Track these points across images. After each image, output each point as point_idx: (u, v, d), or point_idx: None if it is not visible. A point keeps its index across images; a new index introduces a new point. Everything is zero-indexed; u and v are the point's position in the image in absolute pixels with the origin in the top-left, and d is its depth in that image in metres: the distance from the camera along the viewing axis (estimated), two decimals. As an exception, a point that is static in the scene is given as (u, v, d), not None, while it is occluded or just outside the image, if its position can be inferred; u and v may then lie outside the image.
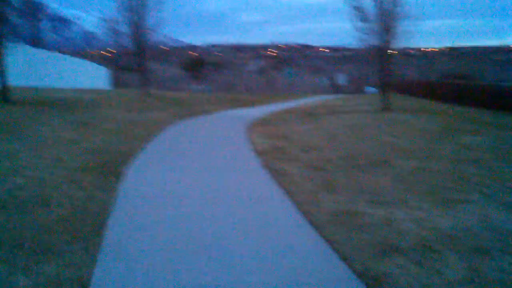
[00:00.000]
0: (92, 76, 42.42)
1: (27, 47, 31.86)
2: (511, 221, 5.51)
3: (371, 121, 16.00)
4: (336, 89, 59.91)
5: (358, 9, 19.37)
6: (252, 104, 32.12)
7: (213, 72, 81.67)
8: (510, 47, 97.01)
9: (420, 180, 7.65)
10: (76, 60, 41.26)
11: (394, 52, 19.94)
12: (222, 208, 6.15)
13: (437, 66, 78.62)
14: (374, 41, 19.43)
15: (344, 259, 4.47)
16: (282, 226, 5.50)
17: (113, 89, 40.75)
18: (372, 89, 57.51)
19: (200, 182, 7.60)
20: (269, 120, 18.89)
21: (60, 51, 58.94)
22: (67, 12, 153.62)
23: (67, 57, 38.97)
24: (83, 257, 4.42)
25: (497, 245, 4.74)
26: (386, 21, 18.86)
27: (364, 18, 19.34)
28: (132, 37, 33.05)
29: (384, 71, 20.21)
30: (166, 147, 11.35)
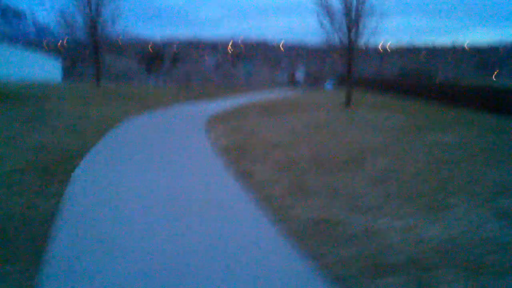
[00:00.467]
0: (43, 69, 40.46)
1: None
2: (503, 230, 5.02)
3: (335, 118, 15.55)
4: (294, 84, 59.69)
5: (324, 6, 18.96)
6: (209, 98, 31.34)
7: (170, 66, 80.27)
8: (460, 46, 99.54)
9: (395, 183, 7.13)
10: (25, 52, 39.22)
11: (359, 49, 19.57)
12: (182, 220, 5.30)
13: (394, 63, 79.75)
14: (339, 38, 19.08)
15: (333, 280, 3.82)
16: (252, 240, 4.75)
17: (64, 83, 39.01)
18: (329, 84, 57.65)
19: (155, 187, 6.75)
20: (229, 116, 18.18)
21: (8, 43, 56.17)
22: (20, 4, 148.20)
23: (15, 48, 36.94)
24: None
25: (498, 260, 4.21)
26: (352, 18, 18.53)
27: (329, 15, 18.95)
28: (85, 29, 31.81)
29: (348, 67, 19.83)
30: (117, 146, 10.43)
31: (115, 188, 6.61)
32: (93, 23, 30.73)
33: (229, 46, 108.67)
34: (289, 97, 32.14)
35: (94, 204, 5.81)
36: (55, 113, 14.88)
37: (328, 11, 18.95)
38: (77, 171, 7.53)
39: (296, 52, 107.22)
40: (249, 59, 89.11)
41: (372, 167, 8.22)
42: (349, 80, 20.12)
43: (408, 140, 11.21)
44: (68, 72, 57.03)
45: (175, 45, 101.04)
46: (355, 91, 30.91)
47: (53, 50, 71.78)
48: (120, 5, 31.71)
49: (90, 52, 32.91)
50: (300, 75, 57.36)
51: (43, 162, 7.91)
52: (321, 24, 19.18)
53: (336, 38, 19.19)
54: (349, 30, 18.72)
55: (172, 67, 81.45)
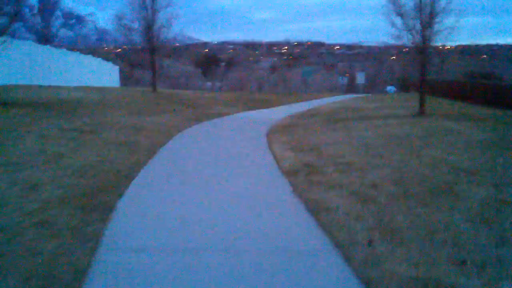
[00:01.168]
0: (102, 74, 40.68)
1: (31, 43, 30.10)
2: None
3: (411, 130, 13.88)
4: (355, 88, 57.67)
5: (396, 3, 17.35)
6: (267, 104, 30.17)
7: (225, 70, 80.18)
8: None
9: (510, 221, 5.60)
10: (84, 57, 39.44)
11: (433, 50, 17.77)
12: (248, 268, 4.11)
13: (453, 64, 76.01)
14: (411, 38, 17.40)
15: None
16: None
17: (122, 88, 38.98)
18: (391, 88, 55.30)
19: (211, 222, 5.54)
20: (290, 126, 16.88)
21: (69, 48, 57.39)
22: (82, 9, 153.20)
23: (75, 54, 37.18)
24: None
25: None
26: (426, 16, 16.82)
27: (401, 13, 17.31)
28: (143, 33, 31.59)
29: (421, 71, 18.05)
30: (172, 165, 9.30)
31: (164, 222, 5.48)
32: (149, 27, 30.40)
33: (285, 48, 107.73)
34: (352, 103, 30.42)
35: (137, 249, 4.67)
36: (108, 124, 14.07)
37: (399, 8, 17.29)
38: (123, 200, 6.47)
39: (354, 55, 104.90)
40: (306, 62, 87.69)
41: (471, 197, 6.69)
42: (422, 84, 18.32)
43: (507, 160, 9.51)
44: (126, 77, 57.64)
45: (230, 48, 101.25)
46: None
47: (113, 54, 73.10)
48: (176, 9, 31.21)
49: (147, 56, 32.58)
50: (360, 78, 55.32)
51: (86, 189, 6.89)
52: (392, 24, 17.53)
53: (408, 39, 17.50)
54: (423, 29, 16.98)
55: (228, 70, 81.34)
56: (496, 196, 6.72)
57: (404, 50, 20.17)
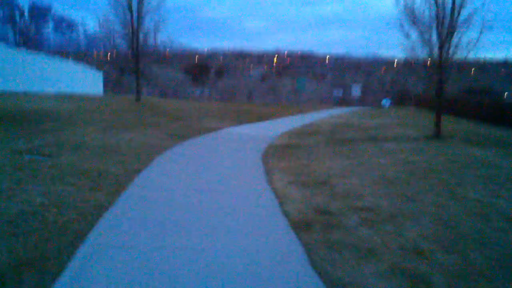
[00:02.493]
0: (84, 80, 38.31)
1: (3, 45, 27.76)
2: None
3: (433, 158, 11.79)
4: (348, 100, 55.81)
5: (411, 14, 15.43)
6: (260, 117, 28.09)
7: (215, 78, 78.45)
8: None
9: None
10: (65, 62, 37.10)
11: (452, 65, 15.79)
12: None
13: (434, 78, 74.07)
14: (428, 51, 15.47)
15: None
16: None
17: (104, 96, 36.64)
18: (387, 101, 53.56)
19: None
20: (288, 147, 14.77)
21: (57, 53, 54.84)
22: (72, 13, 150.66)
23: (54, 58, 34.78)
24: None
25: None
26: (445, 29, 14.92)
27: (417, 25, 15.41)
28: (128, 39, 29.58)
29: (438, 86, 16.02)
30: (142, 210, 6.83)
31: None
32: (134, 33, 28.35)
33: (275, 58, 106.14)
34: (351, 118, 28.38)
35: None
36: (74, 143, 11.84)
37: (415, 20, 15.38)
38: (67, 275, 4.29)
39: (344, 66, 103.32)
40: (296, 72, 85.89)
41: None
42: (439, 103, 16.32)
43: None
44: (113, 84, 55.23)
45: (220, 57, 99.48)
46: (419, 111, 27.10)
47: (100, 60, 70.76)
48: (163, 14, 29.24)
49: (132, 62, 30.51)
50: (356, 90, 53.44)
51: (22, 254, 4.72)
52: (405, 35, 15.62)
53: (423, 52, 15.58)
54: (442, 43, 15.08)
55: (218, 79, 79.58)
56: None
57: (396, 63, 18.10)
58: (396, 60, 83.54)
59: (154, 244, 5.36)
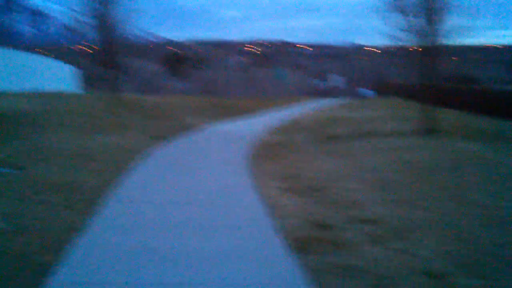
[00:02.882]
0: (60, 77, 36.82)
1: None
2: None
3: (430, 156, 11.14)
4: (331, 91, 55.23)
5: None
6: (241, 112, 27.31)
7: (193, 69, 77.31)
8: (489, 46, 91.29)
9: None
10: (35, 57, 35.64)
11: (443, 51, 15.19)
12: None
13: (422, 66, 73.58)
14: (415, 38, 14.83)
15: None
16: None
17: (80, 93, 35.33)
18: (366, 92, 53.10)
19: None
20: (276, 146, 14.05)
21: (30, 46, 53.09)
22: (46, 5, 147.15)
23: (28, 54, 33.40)
24: None
25: None
26: (435, 14, 14.30)
27: (404, 11, 14.73)
28: (99, 30, 28.07)
29: (429, 76, 15.35)
30: (116, 232, 5.94)
31: None
32: (106, 22, 26.83)
33: (253, 47, 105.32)
34: (337, 111, 27.70)
35: None
36: (45, 150, 10.92)
37: (402, 6, 14.72)
38: None
39: (323, 55, 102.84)
40: (275, 62, 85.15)
41: None
42: (430, 94, 15.70)
43: None
44: (87, 79, 53.60)
45: (198, 47, 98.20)
46: (405, 103, 26.61)
47: (75, 53, 68.90)
48: (137, 3, 27.74)
49: (106, 56, 29.08)
50: (338, 81, 52.85)
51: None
52: (389, 22, 14.94)
53: (410, 39, 14.94)
54: (432, 28, 14.47)
55: (196, 69, 78.50)
56: None
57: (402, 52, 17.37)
58: (375, 48, 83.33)
59: (129, 279, 4.56)
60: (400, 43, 15.58)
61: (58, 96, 24.04)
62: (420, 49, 15.06)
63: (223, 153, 12.97)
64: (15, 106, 17.48)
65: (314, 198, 7.85)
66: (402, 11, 14.77)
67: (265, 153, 12.76)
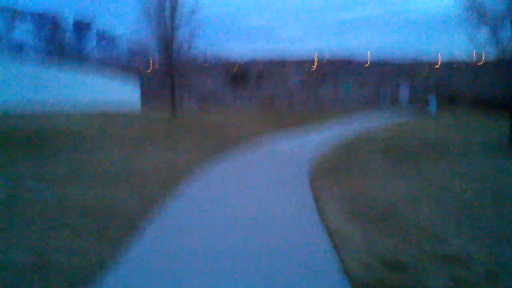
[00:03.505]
0: (120, 95, 37.45)
1: (35, 63, 27.08)
2: None
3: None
4: (398, 105, 53.11)
5: (481, 8, 13.52)
6: (303, 126, 26.28)
7: (255, 86, 77.35)
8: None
9: None
10: (101, 78, 36.32)
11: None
12: None
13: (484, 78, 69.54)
14: (499, 49, 13.45)
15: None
16: None
17: (140, 111, 35.59)
18: (432, 106, 50.70)
19: None
20: (341, 167, 12.86)
21: (99, 68, 54.51)
22: (114, 29, 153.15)
23: (89, 74, 34.00)
24: None
25: None
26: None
27: (487, 21, 13.45)
28: (162, 51, 28.33)
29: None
30: (154, 273, 5.02)
31: None
32: (167, 45, 27.03)
33: (315, 65, 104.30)
34: (403, 127, 26.07)
35: None
36: (92, 168, 10.36)
37: (483, 14, 13.43)
38: None
39: (384, 71, 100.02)
40: (338, 79, 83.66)
41: None
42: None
43: None
44: (153, 97, 54.44)
45: (260, 64, 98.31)
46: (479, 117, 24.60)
47: (139, 75, 70.53)
48: (199, 24, 27.75)
49: (166, 76, 29.25)
50: (404, 94, 50.72)
51: None
52: (471, 36, 13.75)
53: (494, 51, 13.56)
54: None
55: (257, 86, 78.39)
56: None
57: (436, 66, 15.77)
58: (439, 62, 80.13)
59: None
60: (483, 54, 14.26)
61: (116, 115, 24.07)
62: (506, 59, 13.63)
63: (282, 171, 11.94)
64: (72, 126, 17.38)
65: (384, 226, 6.65)
66: (485, 20, 13.49)
67: (328, 172, 11.60)
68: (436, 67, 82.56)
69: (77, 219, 6.62)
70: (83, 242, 5.72)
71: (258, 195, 9.08)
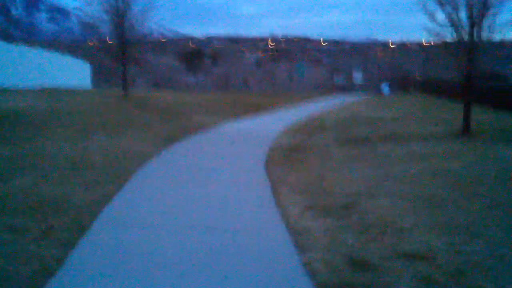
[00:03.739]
0: (71, 73, 35.94)
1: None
2: None
3: (474, 165, 9.63)
4: (352, 88, 53.62)
5: None
6: (258, 109, 26.02)
7: (210, 65, 76.53)
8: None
9: None
10: (49, 54, 34.76)
11: (485, 47, 13.84)
12: None
13: (440, 61, 70.79)
14: (456, 33, 13.52)
15: None
16: None
17: (91, 89, 34.35)
18: (386, 88, 51.36)
19: None
20: (296, 149, 12.70)
21: (50, 43, 52.42)
22: (67, 2, 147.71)
23: (36, 50, 32.50)
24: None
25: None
26: (479, 8, 12.99)
27: (445, 4, 13.48)
28: (115, 25, 27.21)
29: (467, 73, 13.87)
30: (104, 271, 4.75)
31: None
32: (119, 20, 25.97)
33: (270, 43, 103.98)
34: (360, 109, 26.17)
35: None
36: (37, 156, 9.75)
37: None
38: None
39: (340, 50, 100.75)
40: (292, 58, 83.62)
41: None
42: (468, 92, 14.24)
43: None
44: (105, 75, 52.63)
45: (215, 42, 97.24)
46: (430, 100, 25.07)
47: (91, 51, 68.21)
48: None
49: (119, 53, 28.13)
50: (358, 77, 51.12)
51: None
52: (431, 18, 13.75)
53: (451, 34, 13.67)
54: (473, 23, 13.13)
55: (212, 65, 77.60)
56: None
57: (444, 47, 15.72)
58: (392, 43, 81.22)
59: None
60: (437, 38, 14.29)
61: (67, 92, 23.09)
62: (461, 44, 13.67)
63: (238, 159, 11.64)
64: (19, 104, 16.48)
65: (345, 220, 6.45)
66: (443, 5, 13.49)
67: (285, 159, 11.39)
68: (389, 49, 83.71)
69: (22, 218, 6.11)
70: (26, 246, 5.25)
71: (211, 179, 8.78)
